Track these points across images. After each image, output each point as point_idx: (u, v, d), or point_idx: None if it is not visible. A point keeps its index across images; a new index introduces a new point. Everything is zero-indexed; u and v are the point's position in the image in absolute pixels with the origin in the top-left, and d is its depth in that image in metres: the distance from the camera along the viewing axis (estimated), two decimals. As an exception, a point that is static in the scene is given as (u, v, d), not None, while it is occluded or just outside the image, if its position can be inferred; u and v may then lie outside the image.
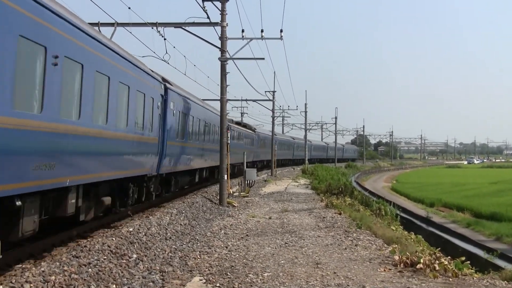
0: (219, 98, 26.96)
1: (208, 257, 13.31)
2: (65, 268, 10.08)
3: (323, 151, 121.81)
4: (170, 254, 13.43)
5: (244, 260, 12.87)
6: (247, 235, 17.05)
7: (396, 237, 18.70)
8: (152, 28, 23.98)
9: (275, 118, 64.80)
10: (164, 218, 17.68)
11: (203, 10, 23.96)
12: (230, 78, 28.24)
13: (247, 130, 53.03)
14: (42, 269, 9.75)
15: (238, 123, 51.10)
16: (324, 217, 21.67)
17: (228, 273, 11.36)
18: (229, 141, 32.84)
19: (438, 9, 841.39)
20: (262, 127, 76.00)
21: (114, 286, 9.94)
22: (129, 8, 21.97)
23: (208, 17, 24.31)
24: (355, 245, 15.36)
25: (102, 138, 14.05)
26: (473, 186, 63.88)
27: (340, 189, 35.24)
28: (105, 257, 11.53)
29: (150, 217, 17.49)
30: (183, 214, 19.64)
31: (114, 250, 12.21)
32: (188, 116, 24.80)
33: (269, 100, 59.67)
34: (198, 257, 13.28)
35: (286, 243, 15.48)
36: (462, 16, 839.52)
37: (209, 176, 33.98)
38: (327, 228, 18.67)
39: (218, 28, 25.47)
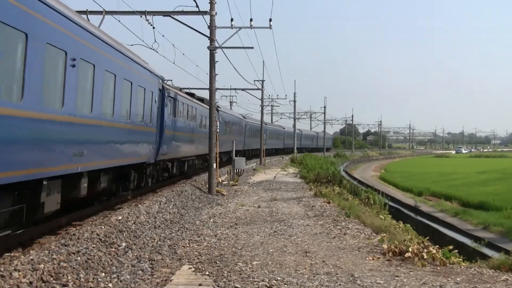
0: (208, 87, 26.93)
1: (197, 245, 13.32)
2: (54, 256, 10.07)
3: (296, 139, 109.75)
4: (159, 242, 13.43)
5: (233, 249, 12.89)
6: (236, 223, 17.07)
7: (384, 226, 18.77)
8: (141, 16, 23.89)
9: (264, 107, 64.85)
10: (153, 206, 17.67)
11: (192, -1, 23.88)
12: (219, 67, 28.13)
13: (205, 106, 35.33)
14: (31, 257, 9.73)
15: (190, 94, 34.11)
16: (313, 206, 21.71)
17: (217, 261, 11.37)
18: (168, 118, 24.69)
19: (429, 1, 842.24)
20: (251, 114, 75.13)
21: (103, 274, 9.93)
22: (118, -4, 21.85)
23: (197, 6, 24.25)
24: (344, 234, 15.40)
25: None
26: (461, 175, 64.19)
27: (329, 178, 35.34)
28: (94, 246, 11.52)
29: (139, 205, 17.49)
30: (172, 203, 19.64)
31: (103, 239, 12.20)
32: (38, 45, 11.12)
33: (258, 89, 59.66)
34: (187, 245, 13.29)
35: (275, 231, 15.51)
36: (451, 8, 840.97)
37: (116, 185, 19.21)
38: (316, 217, 18.71)
39: (207, 17, 25.40)
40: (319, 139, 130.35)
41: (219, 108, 41.92)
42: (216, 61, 26.34)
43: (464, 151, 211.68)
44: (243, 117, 60.05)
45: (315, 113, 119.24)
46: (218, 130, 29.08)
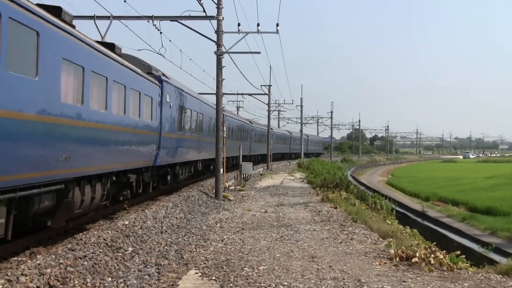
0: (214, 92, 26.96)
1: (204, 250, 13.32)
2: (61, 261, 10.08)
3: (284, 142, 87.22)
4: (165, 247, 13.43)
5: (239, 254, 12.88)
6: (242, 228, 17.05)
7: (391, 231, 18.75)
8: (148, 21, 23.94)
9: (271, 112, 64.82)
10: (159, 211, 17.68)
11: (199, 4, 23.93)
12: (226, 72, 27.69)
13: (125, 64, 18.04)
14: (38, 261, 9.75)
15: (109, 46, 17.41)
16: (319, 211, 21.68)
17: (223, 266, 11.36)
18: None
19: (434, 2, 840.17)
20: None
21: (110, 279, 9.94)
22: (125, 1, 21.96)
23: (204, 11, 24.27)
24: (351, 239, 15.37)
25: None
26: (469, 180, 63.95)
27: (336, 183, 35.29)
28: (101, 250, 11.53)
29: (146, 210, 17.51)
30: (179, 208, 19.64)
31: (109, 243, 12.21)
32: None
33: (265, 94, 59.67)
34: (194, 250, 13.29)
35: (281, 236, 15.49)
36: (458, 8, 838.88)
37: None
38: (323, 222, 18.68)
39: (214, 22, 25.45)
40: (310, 142, 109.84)
41: (166, 79, 23.35)
42: (223, 66, 26.39)
43: (471, 156, 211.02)
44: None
45: (322, 118, 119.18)
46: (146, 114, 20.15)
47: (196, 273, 10.79)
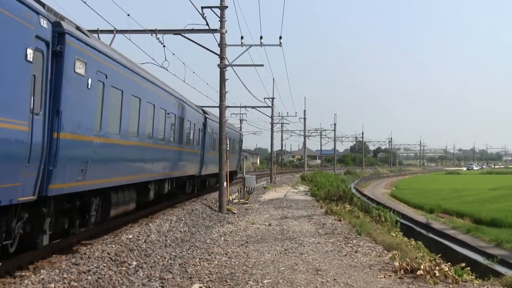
0: (218, 105, 26.98)
1: (208, 264, 13.28)
2: (65, 275, 10.06)
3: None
4: (169, 261, 13.40)
5: (244, 267, 12.84)
6: (247, 242, 17.01)
7: (396, 243, 18.66)
8: (151, 35, 24.02)
9: (274, 125, 64.78)
10: (163, 225, 17.65)
11: (202, 17, 24.01)
12: (229, 85, 27.75)
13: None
14: (42, 276, 9.74)
15: None
16: (323, 224, 21.63)
17: (228, 280, 11.33)
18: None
19: (439, 10, 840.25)
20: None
21: (114, 293, 9.91)
22: (128, 15, 22.00)
23: (207, 24, 24.35)
24: (355, 251, 15.33)
25: None
26: (473, 192, 63.83)
27: (340, 195, 35.22)
28: (105, 265, 11.51)
29: (150, 224, 17.48)
30: (183, 221, 19.62)
31: (113, 257, 12.19)
32: None
33: (268, 106, 59.66)
34: (198, 264, 13.25)
35: (286, 249, 15.45)
36: (463, 19, 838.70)
37: None
38: (327, 235, 18.63)
39: (217, 35, 25.52)
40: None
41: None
42: (226, 79, 26.44)
43: (475, 168, 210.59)
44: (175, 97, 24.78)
45: (325, 130, 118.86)
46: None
47: (200, 287, 10.76)
